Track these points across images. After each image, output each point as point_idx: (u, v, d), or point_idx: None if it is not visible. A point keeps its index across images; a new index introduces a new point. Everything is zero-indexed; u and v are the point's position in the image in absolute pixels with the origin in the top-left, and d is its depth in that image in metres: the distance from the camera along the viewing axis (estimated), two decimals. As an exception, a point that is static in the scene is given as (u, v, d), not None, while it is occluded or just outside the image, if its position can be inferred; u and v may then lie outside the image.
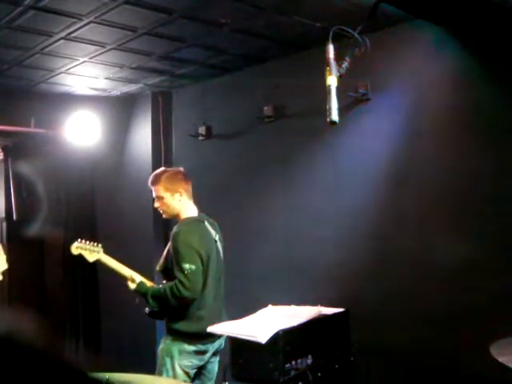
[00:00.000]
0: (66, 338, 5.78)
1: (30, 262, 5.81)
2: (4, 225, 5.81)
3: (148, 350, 5.02)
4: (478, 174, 3.52)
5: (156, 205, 3.45)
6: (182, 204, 3.40)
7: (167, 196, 3.38)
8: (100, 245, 3.54)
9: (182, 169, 3.55)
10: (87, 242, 3.52)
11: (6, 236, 5.75)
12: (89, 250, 3.50)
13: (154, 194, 3.43)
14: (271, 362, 2.98)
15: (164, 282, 3.38)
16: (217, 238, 3.47)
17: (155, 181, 3.42)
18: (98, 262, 3.57)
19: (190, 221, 3.39)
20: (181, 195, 3.39)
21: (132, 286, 3.40)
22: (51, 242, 5.91)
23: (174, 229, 3.34)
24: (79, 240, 3.52)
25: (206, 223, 3.45)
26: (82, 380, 0.83)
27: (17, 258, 5.69)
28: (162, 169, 3.55)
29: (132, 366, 2.46)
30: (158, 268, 3.46)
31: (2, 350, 0.77)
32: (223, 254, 3.53)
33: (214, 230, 3.49)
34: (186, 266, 3.17)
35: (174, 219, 3.53)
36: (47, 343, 0.84)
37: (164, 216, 3.50)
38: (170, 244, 3.34)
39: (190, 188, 3.47)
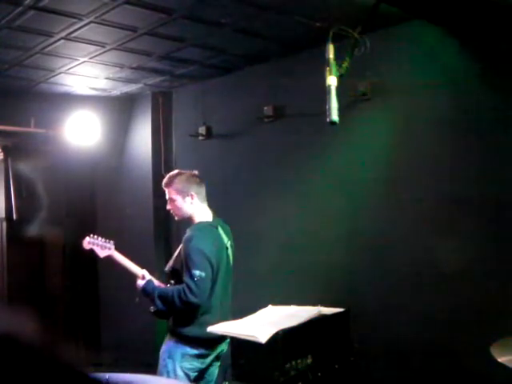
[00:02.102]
0: (66, 338, 5.78)
1: (29, 262, 5.81)
2: (4, 225, 5.81)
3: (148, 349, 5.01)
4: (479, 174, 3.52)
5: (168, 207, 3.46)
6: (193, 207, 3.40)
7: (178, 199, 3.38)
8: (112, 241, 3.55)
9: (196, 172, 3.54)
10: (99, 238, 3.55)
11: (5, 236, 5.75)
12: (100, 246, 3.52)
13: (166, 196, 3.45)
14: (271, 362, 2.98)
15: (172, 281, 3.38)
16: (228, 244, 3.46)
17: (168, 183, 3.43)
18: (108, 259, 3.58)
19: (204, 226, 3.38)
20: (192, 198, 3.38)
21: (140, 283, 3.41)
22: (51, 242, 5.91)
23: (187, 232, 3.34)
24: (91, 235, 3.55)
25: (220, 229, 3.44)
26: (82, 380, 0.83)
27: (17, 258, 5.71)
28: (176, 171, 3.55)
29: (132, 365, 2.47)
30: (166, 268, 3.47)
31: (2, 350, 0.77)
32: (233, 259, 3.53)
33: (227, 235, 3.48)
34: (196, 272, 3.17)
35: (184, 222, 3.53)
36: (47, 343, 0.84)
37: (176, 218, 3.51)
38: (181, 247, 3.34)
39: (203, 191, 3.46)
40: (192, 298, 3.16)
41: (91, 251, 3.55)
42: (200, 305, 3.22)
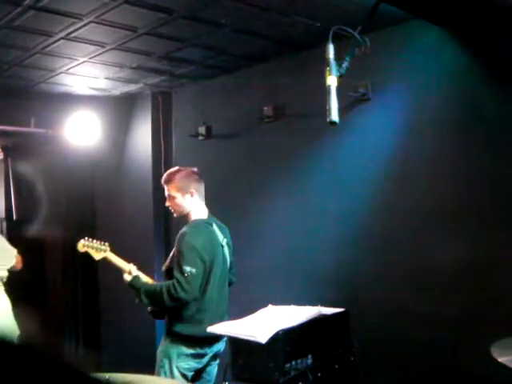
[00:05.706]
0: (66, 338, 5.78)
1: (29, 262, 5.81)
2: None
3: (148, 350, 5.02)
4: (478, 173, 3.52)
5: (167, 204, 3.46)
6: (192, 205, 3.39)
7: (178, 196, 3.38)
8: (107, 243, 3.54)
9: (195, 169, 3.53)
10: (94, 241, 3.52)
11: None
12: (95, 249, 3.50)
13: (166, 193, 3.44)
14: (271, 362, 2.98)
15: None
16: (224, 242, 3.45)
17: (168, 180, 3.43)
18: (103, 261, 3.57)
19: (198, 223, 3.38)
20: (192, 196, 3.38)
21: (127, 278, 3.38)
22: (51, 242, 5.91)
23: (182, 230, 3.34)
24: (86, 238, 3.52)
25: (215, 226, 3.43)
26: (82, 380, 0.83)
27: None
28: (176, 168, 3.55)
29: (132, 366, 2.46)
30: (163, 268, 3.47)
31: (1, 350, 0.77)
32: (231, 258, 3.52)
33: (223, 234, 3.47)
34: (187, 268, 3.16)
35: (181, 220, 3.53)
36: (47, 343, 0.84)
37: (175, 215, 3.51)
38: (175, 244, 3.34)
39: (202, 188, 3.46)
40: (182, 294, 3.14)
41: (86, 254, 3.53)
42: (189, 301, 3.21)
